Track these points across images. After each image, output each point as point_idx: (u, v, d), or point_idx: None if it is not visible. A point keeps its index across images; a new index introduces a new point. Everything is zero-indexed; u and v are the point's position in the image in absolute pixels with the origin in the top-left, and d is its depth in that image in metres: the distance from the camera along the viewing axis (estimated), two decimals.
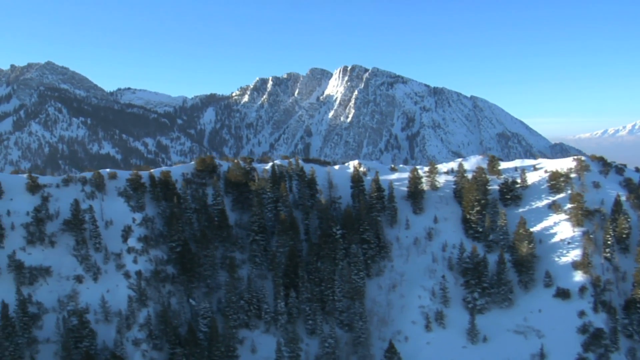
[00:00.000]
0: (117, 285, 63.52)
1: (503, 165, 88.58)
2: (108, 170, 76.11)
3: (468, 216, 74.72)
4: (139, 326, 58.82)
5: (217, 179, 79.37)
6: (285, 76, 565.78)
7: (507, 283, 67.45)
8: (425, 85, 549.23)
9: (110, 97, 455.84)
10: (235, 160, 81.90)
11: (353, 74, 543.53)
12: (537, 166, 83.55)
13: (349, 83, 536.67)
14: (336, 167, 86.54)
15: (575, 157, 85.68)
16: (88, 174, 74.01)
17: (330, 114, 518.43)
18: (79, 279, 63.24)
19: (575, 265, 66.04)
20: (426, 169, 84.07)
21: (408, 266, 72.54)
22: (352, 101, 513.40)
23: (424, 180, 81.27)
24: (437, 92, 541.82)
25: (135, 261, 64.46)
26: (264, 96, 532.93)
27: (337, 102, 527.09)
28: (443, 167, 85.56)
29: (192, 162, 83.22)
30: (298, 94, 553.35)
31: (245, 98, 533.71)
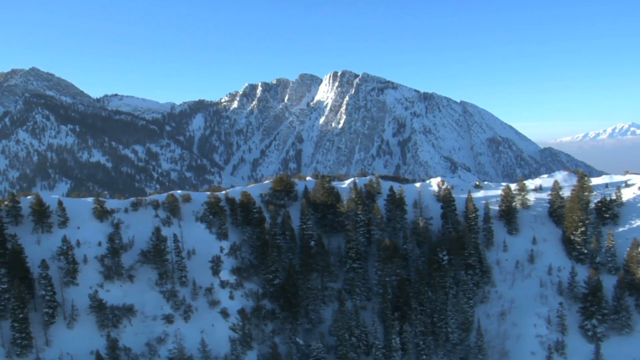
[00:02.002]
0: (212, 324, 56.33)
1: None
2: (180, 191, 68.46)
3: (572, 237, 69.90)
4: None
5: (295, 199, 72.64)
6: (274, 82, 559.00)
7: (627, 308, 62.88)
8: (415, 90, 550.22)
9: (97, 103, 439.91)
10: (318, 179, 74.88)
11: (343, 79, 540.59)
12: (629, 182, 79.43)
13: (339, 89, 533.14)
14: (417, 184, 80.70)
15: None
16: (160, 197, 66.33)
17: (322, 120, 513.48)
18: (168, 318, 55.75)
19: None
20: (514, 186, 79.05)
21: (514, 292, 67.25)
22: (344, 107, 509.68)
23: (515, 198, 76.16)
24: (427, 98, 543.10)
25: (231, 297, 57.36)
26: (254, 102, 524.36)
27: (328, 108, 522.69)
28: (530, 183, 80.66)
29: (267, 182, 76.07)
30: (288, 99, 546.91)
31: (235, 104, 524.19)
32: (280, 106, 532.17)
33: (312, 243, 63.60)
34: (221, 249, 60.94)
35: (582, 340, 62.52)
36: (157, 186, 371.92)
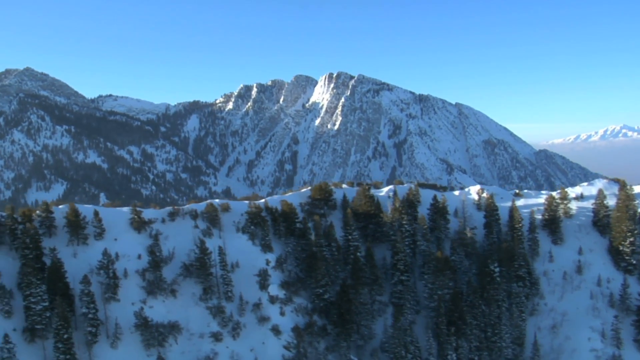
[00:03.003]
0: (263, 342, 53.45)
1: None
2: (218, 200, 65.40)
3: (620, 247, 68.24)
4: None
5: (333, 207, 70.01)
6: (269, 83, 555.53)
7: None
8: (411, 92, 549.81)
9: (92, 104, 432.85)
10: (360, 187, 72.22)
11: (339, 81, 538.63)
12: None
13: (334, 90, 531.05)
14: (456, 192, 78.62)
15: None
16: (198, 206, 63.16)
17: (317, 121, 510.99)
18: (216, 336, 52.78)
19: None
20: (555, 194, 77.26)
21: (564, 304, 65.36)
22: (339, 108, 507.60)
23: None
24: (422, 99, 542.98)
25: (282, 313, 54.54)
26: (249, 103, 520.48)
27: (324, 109, 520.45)
28: (571, 192, 78.96)
29: (305, 190, 73.26)
30: (283, 101, 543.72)
31: (230, 105, 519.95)
32: (276, 107, 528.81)
33: (361, 255, 61.05)
34: (267, 262, 58.05)
35: (637, 354, 60.87)
36: (153, 187, 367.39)
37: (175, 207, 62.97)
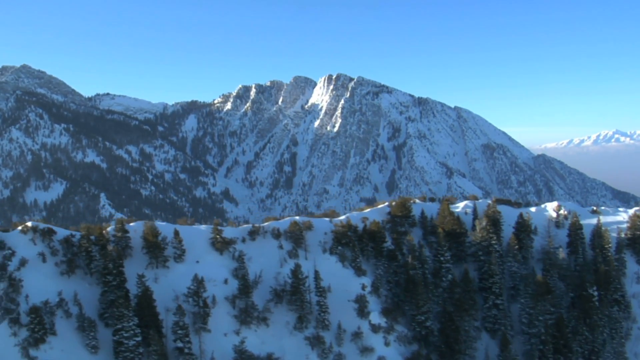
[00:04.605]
0: None
1: None
2: (298, 217, 60.83)
3: None
4: None
5: (412, 224, 65.98)
6: (268, 84, 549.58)
7: None
8: (410, 95, 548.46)
9: (89, 102, 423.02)
10: (441, 203, 68.27)
11: (338, 82, 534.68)
12: None
13: (334, 92, 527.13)
14: (532, 209, 75.19)
15: None
16: (280, 224, 58.63)
17: (316, 123, 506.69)
18: None
19: None
20: (632, 211, 74.26)
21: None
22: (339, 110, 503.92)
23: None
24: (421, 102, 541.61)
25: (386, 343, 50.46)
26: (248, 104, 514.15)
27: (323, 111, 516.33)
28: None
29: (382, 205, 69.05)
30: (282, 102, 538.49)
31: (228, 105, 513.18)
32: (275, 108, 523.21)
33: (459, 278, 57.22)
34: (363, 287, 53.80)
35: None
36: (153, 188, 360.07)
37: (255, 225, 58.30)
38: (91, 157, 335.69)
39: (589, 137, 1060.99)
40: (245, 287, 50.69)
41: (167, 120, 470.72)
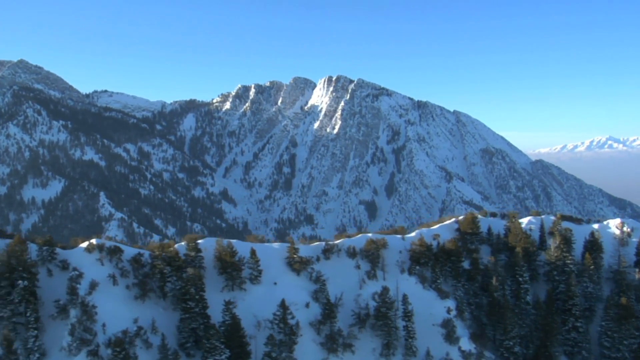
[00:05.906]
0: None
1: None
2: (371, 234, 57.72)
3: None
4: None
5: (481, 242, 63.22)
6: (267, 84, 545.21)
7: None
8: (409, 98, 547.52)
9: (87, 99, 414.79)
10: (509, 219, 65.55)
11: (338, 84, 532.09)
12: None
13: (334, 94, 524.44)
14: (595, 226, 72.89)
15: None
16: (355, 242, 55.39)
17: (316, 124, 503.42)
18: None
19: None
20: None
21: None
22: (339, 112, 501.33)
23: None
24: (420, 106, 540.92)
25: None
26: (247, 104, 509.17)
27: (323, 112, 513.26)
28: None
29: (449, 222, 66.10)
30: (281, 102, 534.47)
31: (227, 105, 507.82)
32: (274, 109, 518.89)
33: (533, 300, 54.58)
34: (448, 310, 50.85)
35: None
36: (151, 187, 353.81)
37: (328, 242, 55.08)
38: (90, 154, 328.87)
39: (582, 143, 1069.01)
40: (330, 311, 47.47)
41: (165, 118, 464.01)
